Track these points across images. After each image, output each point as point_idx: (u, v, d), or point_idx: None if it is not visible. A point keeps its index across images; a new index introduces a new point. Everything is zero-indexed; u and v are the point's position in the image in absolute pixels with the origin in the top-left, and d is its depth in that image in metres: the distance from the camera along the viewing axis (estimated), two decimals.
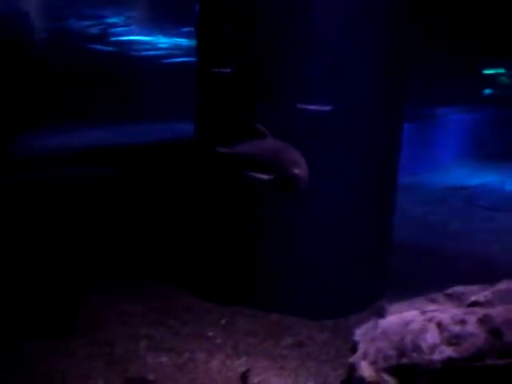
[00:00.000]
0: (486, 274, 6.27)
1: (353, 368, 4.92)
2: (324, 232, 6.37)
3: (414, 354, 4.64)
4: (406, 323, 5.03)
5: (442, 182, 13.61)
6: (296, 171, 4.27)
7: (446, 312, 5.00)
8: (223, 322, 5.95)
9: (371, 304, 6.70)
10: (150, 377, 4.57)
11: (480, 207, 13.13)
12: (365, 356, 4.93)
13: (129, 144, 9.09)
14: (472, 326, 4.70)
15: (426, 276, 7.60)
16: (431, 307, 5.29)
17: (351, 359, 4.97)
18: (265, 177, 4.27)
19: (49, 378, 4.49)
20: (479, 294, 5.30)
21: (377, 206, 6.79)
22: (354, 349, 5.26)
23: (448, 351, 4.57)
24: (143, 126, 10.46)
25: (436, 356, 4.58)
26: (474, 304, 5.16)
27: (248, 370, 4.87)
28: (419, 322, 4.96)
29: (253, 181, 4.38)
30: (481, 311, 4.85)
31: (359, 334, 5.41)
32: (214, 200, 6.67)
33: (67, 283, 5.59)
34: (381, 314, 5.55)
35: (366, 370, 4.74)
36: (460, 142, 16.97)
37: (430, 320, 4.94)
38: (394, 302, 5.61)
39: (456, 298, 5.46)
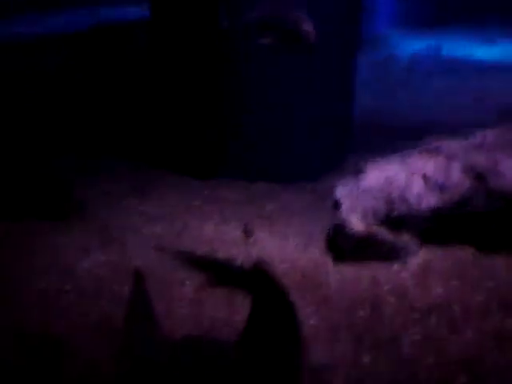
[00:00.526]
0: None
1: (340, 225, 5.09)
2: (297, 103, 6.51)
3: (403, 206, 4.80)
4: (391, 178, 5.15)
5: (380, 52, 13.64)
6: (305, 27, 4.31)
7: (428, 164, 5.17)
8: (206, 192, 5.96)
9: (342, 166, 6.90)
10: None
11: (418, 72, 13.39)
12: (353, 212, 5.08)
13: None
14: (456, 175, 4.87)
15: (384, 140, 7.77)
16: (410, 161, 5.45)
17: (338, 217, 5.12)
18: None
19: (49, 252, 4.51)
20: (455, 145, 5.50)
21: (341, 78, 6.95)
22: (336, 206, 5.41)
23: (435, 200, 4.77)
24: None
25: (424, 205, 4.79)
26: (452, 155, 5.34)
27: (247, 225, 4.96)
28: (403, 175, 5.09)
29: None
30: (463, 160, 5.06)
31: (341, 192, 5.50)
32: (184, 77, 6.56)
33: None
34: (359, 170, 5.69)
35: (355, 224, 4.90)
36: (395, 10, 16.89)
37: (414, 173, 5.10)
38: (368, 160, 5.74)
39: (431, 152, 5.63)
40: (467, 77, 12.31)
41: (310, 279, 4.06)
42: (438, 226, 4.62)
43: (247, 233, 4.92)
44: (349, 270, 4.29)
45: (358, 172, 5.66)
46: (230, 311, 3.64)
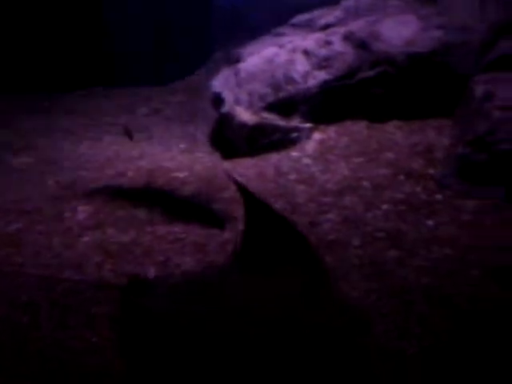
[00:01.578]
0: None
1: (226, 118, 4.75)
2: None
3: (289, 86, 4.54)
4: (271, 60, 4.81)
5: None
6: None
7: (306, 39, 4.87)
8: (71, 107, 5.34)
9: (211, 59, 6.51)
10: None
11: None
12: (238, 102, 4.75)
13: None
14: (338, 45, 4.63)
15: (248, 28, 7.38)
16: (286, 40, 5.14)
17: (223, 111, 4.77)
18: None
19: None
20: (327, 15, 5.22)
21: None
22: (217, 100, 5.05)
23: (321, 75, 4.52)
24: None
25: (311, 82, 4.54)
26: (327, 26, 5.09)
27: (127, 126, 4.48)
28: (283, 54, 4.78)
29: None
30: (341, 30, 4.81)
31: (218, 84, 5.14)
32: None
33: None
34: (234, 59, 5.31)
35: (243, 114, 4.58)
36: None
37: (294, 50, 4.80)
38: (240, 46, 5.37)
39: (305, 26, 5.31)
40: None
41: (215, 183, 3.73)
42: (328, 102, 4.40)
43: (128, 134, 4.44)
44: (248, 165, 4.00)
45: (231, 60, 5.30)
46: (134, 234, 3.28)
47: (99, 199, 3.68)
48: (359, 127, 4.18)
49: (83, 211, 3.56)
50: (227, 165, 4.14)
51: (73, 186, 3.95)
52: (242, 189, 2.45)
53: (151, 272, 2.90)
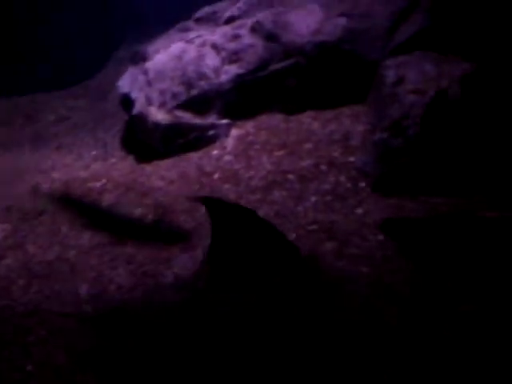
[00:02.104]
0: None
1: (139, 119, 4.61)
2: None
3: (202, 82, 4.46)
4: (179, 56, 4.71)
5: None
6: None
7: (214, 33, 4.80)
8: None
9: (114, 58, 6.30)
10: None
11: None
12: (149, 102, 4.62)
13: None
14: (247, 38, 4.58)
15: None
16: (192, 35, 5.05)
17: (134, 112, 4.62)
18: None
19: None
20: (231, 8, 5.17)
21: None
22: (126, 102, 4.89)
23: (233, 69, 4.47)
24: None
25: (223, 77, 4.48)
26: (232, 19, 5.04)
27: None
28: (192, 50, 4.68)
29: None
30: (248, 22, 4.78)
31: (126, 85, 4.97)
32: None
33: None
34: (140, 58, 5.16)
35: (157, 114, 4.46)
36: None
37: (203, 45, 4.72)
38: (145, 43, 5.23)
39: (209, 20, 5.22)
40: None
41: (136, 188, 3.62)
42: (242, 96, 4.37)
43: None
44: (168, 167, 3.91)
45: (137, 59, 5.14)
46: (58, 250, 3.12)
47: (15, 216, 3.49)
48: (276, 120, 4.17)
49: (1, 231, 3.36)
50: (146, 168, 4.03)
51: None
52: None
53: (83, 289, 2.78)
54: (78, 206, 3.49)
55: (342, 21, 4.47)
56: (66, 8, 5.96)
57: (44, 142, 4.64)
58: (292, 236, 2.91)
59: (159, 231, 3.15)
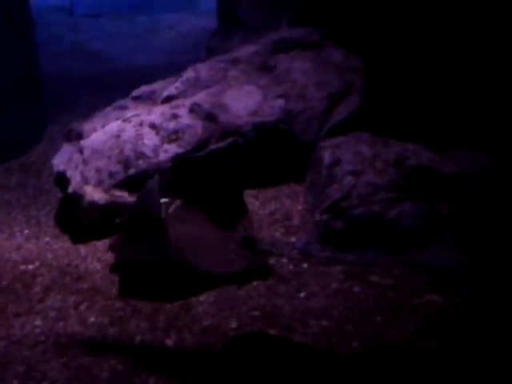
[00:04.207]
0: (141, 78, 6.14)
1: (74, 198, 4.49)
2: None
3: (140, 162, 4.40)
4: (117, 135, 4.66)
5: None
6: None
7: (152, 113, 4.79)
8: None
9: (46, 135, 6.19)
10: None
11: (83, 16, 12.74)
12: (86, 181, 4.52)
13: None
14: (185, 118, 4.61)
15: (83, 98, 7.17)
16: (130, 113, 5.04)
17: (69, 191, 4.51)
18: None
19: None
20: (169, 87, 5.22)
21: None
22: (61, 180, 4.77)
23: (172, 148, 4.46)
24: None
25: (162, 156, 4.46)
26: (169, 98, 5.07)
27: None
28: (130, 129, 4.65)
29: None
30: (186, 102, 4.82)
31: (60, 162, 4.86)
32: None
33: None
34: (74, 135, 5.09)
35: (94, 193, 4.36)
36: None
37: (141, 124, 4.70)
38: (80, 121, 5.18)
39: (147, 99, 5.23)
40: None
41: (70, 272, 3.47)
42: (181, 175, 4.36)
43: None
44: (105, 248, 3.79)
45: (71, 136, 5.07)
46: None
47: None
48: None
49: None
50: (81, 249, 3.89)
51: None
52: None
53: None
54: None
55: (280, 102, 4.59)
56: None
57: None
58: (234, 324, 2.84)
59: None
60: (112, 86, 6.99)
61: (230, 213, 3.55)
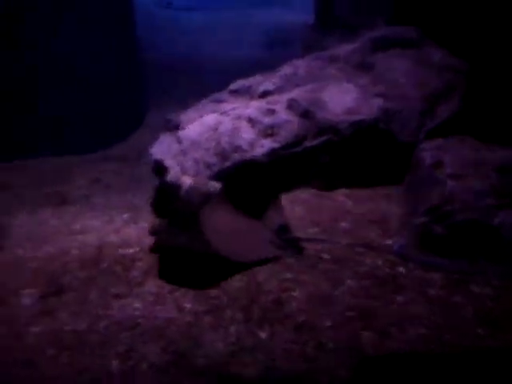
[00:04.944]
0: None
1: (173, 187, 4.61)
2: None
3: (236, 155, 4.48)
4: (214, 127, 4.77)
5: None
6: None
7: (249, 106, 4.87)
8: (4, 179, 5.03)
9: (144, 124, 6.41)
10: None
11: (180, 9, 13.02)
12: (184, 171, 4.64)
13: None
14: (282, 114, 4.64)
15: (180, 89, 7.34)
16: (227, 107, 5.12)
17: (169, 178, 4.62)
18: None
19: None
20: (266, 82, 5.26)
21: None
22: (159, 169, 4.91)
23: (268, 143, 4.51)
24: None
25: (258, 150, 4.51)
26: (266, 93, 5.11)
27: None
28: (227, 122, 4.75)
29: None
30: (283, 98, 4.84)
31: (158, 151, 5.00)
32: None
33: None
34: (172, 126, 5.22)
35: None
36: None
37: (238, 118, 4.78)
38: (178, 112, 5.30)
39: (244, 93, 5.31)
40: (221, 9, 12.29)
41: None
42: (276, 170, 4.39)
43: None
44: None
45: (169, 126, 5.20)
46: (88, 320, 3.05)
47: (44, 281, 3.44)
48: (309, 196, 4.17)
49: (28, 295, 3.30)
50: None
51: (10, 266, 3.68)
52: None
53: (113, 365, 2.70)
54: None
55: (378, 101, 4.52)
56: (100, 73, 6.10)
57: (75, 204, 4.66)
58: (327, 323, 2.83)
59: None
60: (208, 78, 7.12)
61: (263, 203, 3.76)
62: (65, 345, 2.85)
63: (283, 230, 3.60)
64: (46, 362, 2.74)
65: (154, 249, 3.65)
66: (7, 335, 2.95)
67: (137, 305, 3.16)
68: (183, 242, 3.46)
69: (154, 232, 3.75)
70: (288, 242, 3.51)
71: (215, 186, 4.01)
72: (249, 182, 3.91)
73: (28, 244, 3.93)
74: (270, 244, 3.51)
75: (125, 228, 4.14)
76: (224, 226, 3.61)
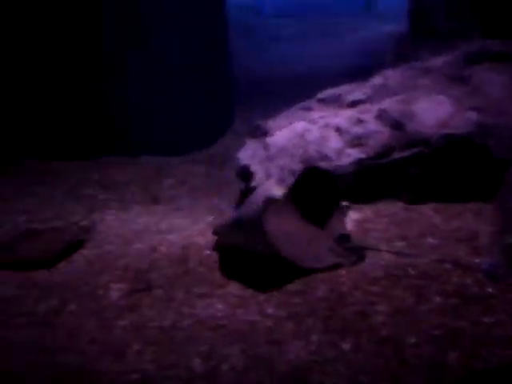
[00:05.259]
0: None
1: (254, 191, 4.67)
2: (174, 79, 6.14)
3: (322, 163, 4.47)
4: (301, 135, 4.79)
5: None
6: None
7: (338, 116, 4.86)
8: (96, 177, 5.26)
9: (231, 129, 6.52)
10: None
11: (270, 16, 13.13)
12: (268, 176, 4.69)
13: None
14: (372, 124, 4.60)
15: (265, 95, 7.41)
16: (315, 115, 5.13)
17: (254, 184, 4.68)
18: None
19: None
20: (355, 92, 5.22)
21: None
22: (245, 174, 4.98)
23: (355, 153, 4.48)
24: None
25: (344, 160, 4.49)
26: (355, 103, 5.08)
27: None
28: (315, 130, 4.75)
29: None
30: (373, 107, 4.80)
31: (245, 157, 5.08)
32: None
33: None
34: (260, 132, 5.27)
35: (275, 190, 4.50)
36: None
37: (326, 126, 4.78)
38: (266, 119, 5.35)
39: (333, 101, 5.29)
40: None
41: None
42: (362, 181, 4.35)
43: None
44: None
45: (256, 133, 5.25)
46: (173, 317, 3.14)
47: (132, 276, 3.56)
48: (396, 208, 4.10)
49: (117, 290, 3.43)
50: None
51: (99, 260, 3.83)
52: None
53: (196, 364, 2.75)
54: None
55: (473, 115, 4.40)
56: (195, 79, 6.25)
57: (162, 204, 4.79)
58: (412, 339, 2.77)
59: None
60: (295, 86, 7.14)
61: (326, 211, 3.81)
62: (150, 340, 2.94)
63: (344, 238, 3.64)
64: (132, 357, 2.83)
65: (215, 248, 3.77)
66: (96, 327, 3.07)
67: (220, 306, 3.22)
68: (242, 241, 3.57)
69: (216, 233, 3.87)
70: (349, 250, 3.55)
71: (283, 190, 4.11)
72: (318, 189, 3.87)
73: (118, 240, 4.07)
74: (330, 252, 3.56)
75: (209, 230, 4.20)
76: (287, 230, 3.66)
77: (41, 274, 3.64)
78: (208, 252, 3.78)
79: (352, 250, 3.55)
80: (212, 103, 6.38)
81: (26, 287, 3.50)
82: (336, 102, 5.23)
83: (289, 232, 3.67)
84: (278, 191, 4.43)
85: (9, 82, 5.87)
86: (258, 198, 3.76)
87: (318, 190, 3.88)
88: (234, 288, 3.37)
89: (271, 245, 3.32)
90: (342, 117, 4.73)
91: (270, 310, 3.12)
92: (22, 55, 5.86)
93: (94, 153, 5.72)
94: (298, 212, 3.85)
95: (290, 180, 4.48)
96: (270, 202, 3.72)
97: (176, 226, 4.28)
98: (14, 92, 5.90)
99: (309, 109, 5.29)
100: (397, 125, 4.46)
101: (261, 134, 5.14)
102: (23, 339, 2.99)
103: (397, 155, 4.37)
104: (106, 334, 3.01)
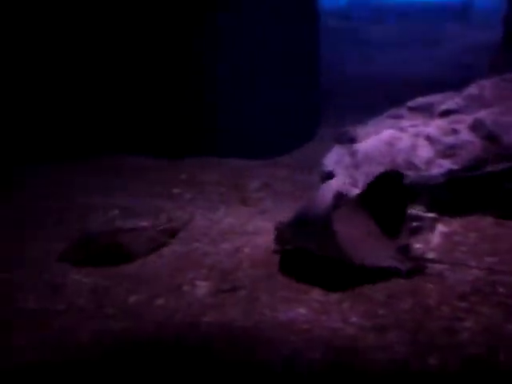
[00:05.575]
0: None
1: (341, 198, 4.66)
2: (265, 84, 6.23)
3: (410, 172, 4.40)
4: (390, 143, 4.74)
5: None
6: None
7: (429, 125, 4.77)
8: (183, 176, 5.41)
9: (317, 136, 6.54)
10: None
11: (359, 21, 13.01)
12: (355, 184, 4.67)
13: None
14: (465, 134, 4.50)
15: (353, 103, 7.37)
16: (405, 123, 5.06)
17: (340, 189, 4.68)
18: None
19: None
20: (448, 101, 5.11)
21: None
22: (329, 179, 4.96)
23: (446, 164, 4.38)
24: None
25: (435, 171, 4.40)
26: (448, 112, 4.97)
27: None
28: (405, 139, 4.69)
29: None
30: (467, 118, 4.69)
31: (330, 162, 5.07)
32: None
33: None
34: (347, 139, 5.25)
35: (347, 188, 4.47)
36: None
37: (417, 135, 4.70)
38: (355, 125, 5.33)
39: (424, 110, 5.21)
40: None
41: None
42: (452, 193, 4.25)
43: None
44: None
45: (343, 139, 5.23)
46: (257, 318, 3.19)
47: (217, 275, 3.63)
48: (486, 223, 3.99)
49: (203, 286, 3.51)
50: None
51: (186, 257, 3.93)
52: None
53: (277, 367, 2.78)
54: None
55: None
56: (286, 86, 6.31)
57: (248, 205, 4.86)
58: (500, 357, 2.69)
59: None
60: (383, 94, 7.08)
61: (394, 221, 3.77)
62: (235, 340, 2.99)
63: (405, 249, 3.62)
64: (219, 356, 2.89)
65: (276, 252, 3.82)
66: (183, 322, 3.16)
67: (302, 311, 3.23)
68: (311, 246, 3.56)
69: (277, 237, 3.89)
70: (409, 260, 3.51)
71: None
72: (390, 196, 3.81)
73: (205, 239, 4.17)
74: (390, 259, 3.53)
75: None
76: (353, 231, 3.66)
77: (132, 266, 3.79)
78: None
79: (412, 260, 3.52)
80: (302, 109, 6.42)
81: (117, 279, 3.65)
82: (427, 110, 5.13)
83: (355, 232, 3.67)
84: (350, 190, 4.42)
85: (121, 90, 6.17)
86: (326, 194, 3.61)
87: (390, 196, 3.81)
88: (317, 294, 3.37)
89: (339, 249, 3.32)
90: (434, 126, 4.64)
91: (354, 319, 3.11)
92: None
93: (183, 153, 5.87)
94: (368, 215, 3.83)
95: None
96: (341, 199, 3.73)
97: (261, 229, 4.33)
98: (123, 96, 6.20)
99: (399, 116, 5.22)
100: (492, 136, 4.33)
101: (347, 140, 5.12)
102: (115, 328, 3.12)
103: (490, 168, 4.25)
104: (192, 329, 3.09)
